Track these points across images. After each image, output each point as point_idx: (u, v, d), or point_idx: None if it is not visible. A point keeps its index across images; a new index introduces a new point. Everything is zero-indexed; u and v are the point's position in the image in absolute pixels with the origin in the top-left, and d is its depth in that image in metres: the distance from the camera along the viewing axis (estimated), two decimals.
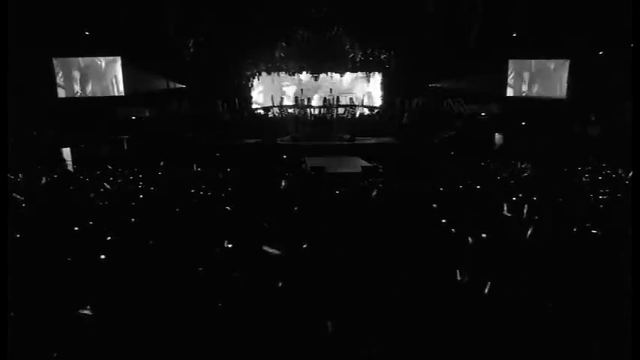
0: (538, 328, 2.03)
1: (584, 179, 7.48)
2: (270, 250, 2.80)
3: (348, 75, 15.82)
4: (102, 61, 14.04)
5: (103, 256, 3.03)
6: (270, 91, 15.49)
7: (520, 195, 5.37)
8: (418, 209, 4.50)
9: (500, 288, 2.34)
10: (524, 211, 3.90)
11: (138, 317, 2.33)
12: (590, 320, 2.10)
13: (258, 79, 15.56)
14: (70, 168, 10.97)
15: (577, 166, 8.94)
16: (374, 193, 4.84)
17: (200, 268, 2.85)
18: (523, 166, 9.07)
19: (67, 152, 11.98)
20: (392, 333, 2.04)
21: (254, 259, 2.93)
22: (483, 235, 3.16)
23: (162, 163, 9.92)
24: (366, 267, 2.77)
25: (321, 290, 2.44)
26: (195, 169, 9.23)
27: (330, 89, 15.48)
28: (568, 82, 14.72)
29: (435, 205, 4.51)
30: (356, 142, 13.67)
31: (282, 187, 5.71)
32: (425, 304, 2.29)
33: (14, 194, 5.49)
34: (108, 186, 6.90)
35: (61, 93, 13.86)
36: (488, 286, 2.31)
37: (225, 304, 2.38)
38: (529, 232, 3.11)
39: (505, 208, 4.00)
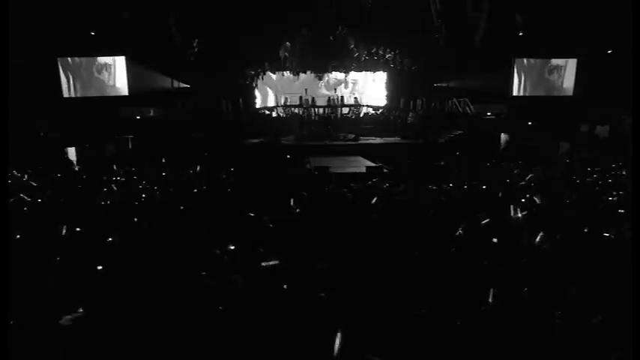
0: (549, 339, 1.96)
1: (589, 180, 7.36)
2: (269, 264, 2.78)
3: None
4: (106, 61, 14.05)
5: (103, 260, 2.99)
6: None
7: (528, 196, 5.27)
8: (424, 213, 4.42)
9: (509, 296, 2.27)
10: (533, 213, 3.81)
11: (138, 319, 2.29)
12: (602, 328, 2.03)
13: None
14: (74, 168, 10.98)
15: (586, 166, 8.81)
16: (374, 201, 4.75)
17: (202, 271, 2.80)
18: (533, 167, 8.93)
19: (71, 152, 12.00)
20: (395, 344, 1.98)
21: (256, 261, 2.88)
22: (494, 240, 3.08)
23: (164, 161, 9.90)
24: (368, 272, 2.71)
25: (324, 295, 2.39)
26: (198, 169, 9.20)
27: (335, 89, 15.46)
28: (575, 82, 14.58)
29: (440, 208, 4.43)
30: (360, 141, 13.60)
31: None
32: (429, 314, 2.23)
33: (21, 195, 5.48)
34: (114, 186, 6.88)
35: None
36: (491, 294, 2.23)
37: (226, 307, 2.33)
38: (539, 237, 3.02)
39: (513, 210, 3.92)
